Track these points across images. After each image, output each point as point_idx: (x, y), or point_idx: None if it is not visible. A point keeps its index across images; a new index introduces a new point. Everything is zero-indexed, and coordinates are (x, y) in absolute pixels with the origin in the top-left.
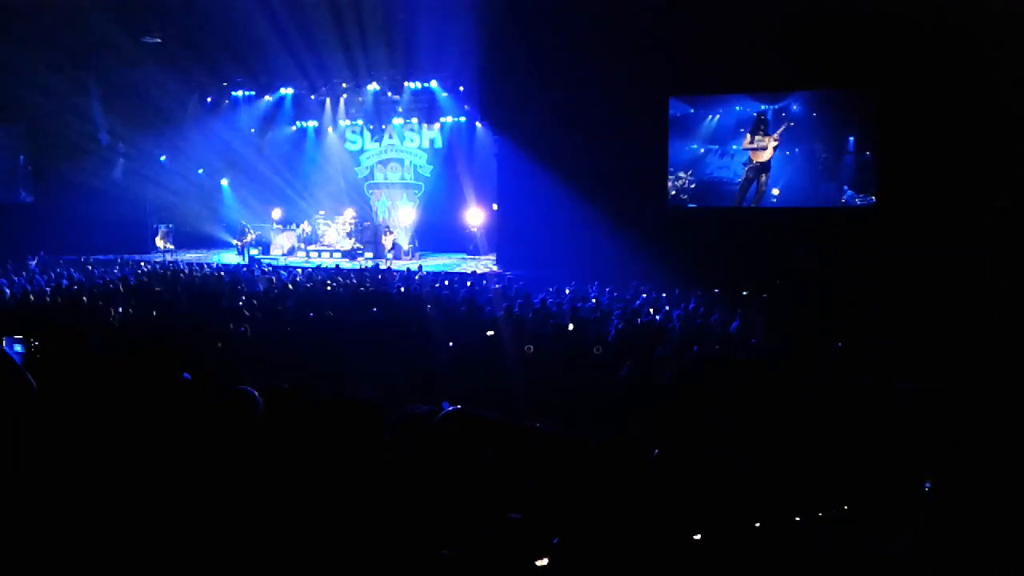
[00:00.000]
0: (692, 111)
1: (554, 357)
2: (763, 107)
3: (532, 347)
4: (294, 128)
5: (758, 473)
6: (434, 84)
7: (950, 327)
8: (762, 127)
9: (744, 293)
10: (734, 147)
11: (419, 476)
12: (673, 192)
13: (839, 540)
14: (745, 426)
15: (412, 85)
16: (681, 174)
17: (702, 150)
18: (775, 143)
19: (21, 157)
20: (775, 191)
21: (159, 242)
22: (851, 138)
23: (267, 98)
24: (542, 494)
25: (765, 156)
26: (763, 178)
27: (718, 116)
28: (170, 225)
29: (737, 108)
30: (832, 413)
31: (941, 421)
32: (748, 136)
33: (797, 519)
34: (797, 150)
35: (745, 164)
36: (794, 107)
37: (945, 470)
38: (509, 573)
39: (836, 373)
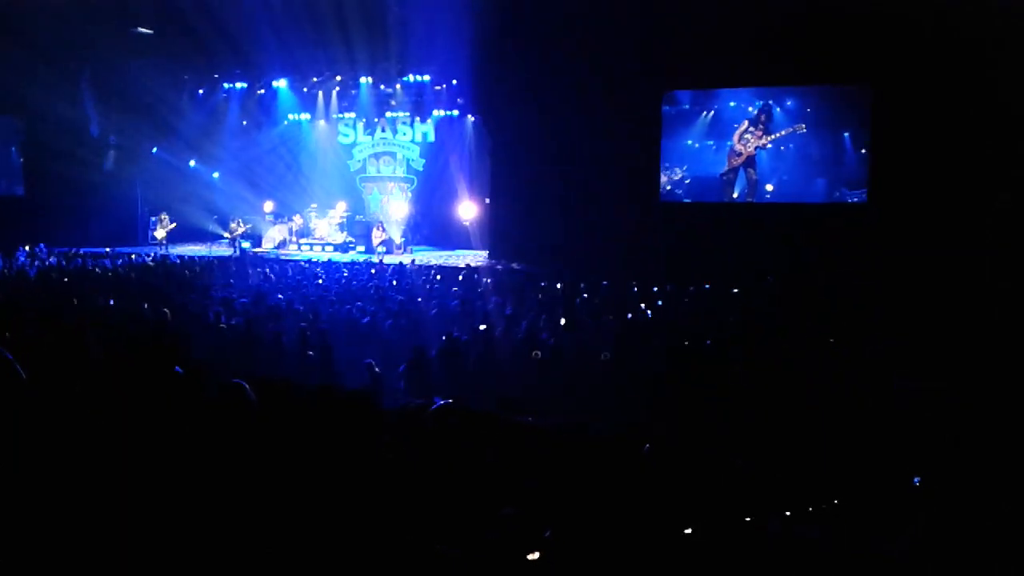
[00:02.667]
0: (687, 106)
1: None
2: (759, 102)
3: (539, 353)
4: (287, 121)
5: (754, 471)
6: (427, 78)
7: (946, 325)
8: (763, 119)
9: (735, 290)
10: (728, 143)
11: (413, 470)
12: (668, 187)
13: (839, 540)
14: (741, 423)
15: (405, 79)
16: (676, 169)
17: (697, 145)
18: (765, 143)
19: (13, 149)
20: (769, 187)
21: (158, 234)
22: (846, 134)
23: (260, 90)
24: (534, 487)
25: (748, 150)
26: (751, 171)
27: (713, 111)
28: (163, 216)
29: (731, 104)
30: (831, 412)
31: (941, 421)
32: (745, 123)
33: (796, 518)
34: (792, 146)
35: (729, 154)
36: (789, 103)
37: (945, 470)
38: (504, 567)
39: (835, 372)
